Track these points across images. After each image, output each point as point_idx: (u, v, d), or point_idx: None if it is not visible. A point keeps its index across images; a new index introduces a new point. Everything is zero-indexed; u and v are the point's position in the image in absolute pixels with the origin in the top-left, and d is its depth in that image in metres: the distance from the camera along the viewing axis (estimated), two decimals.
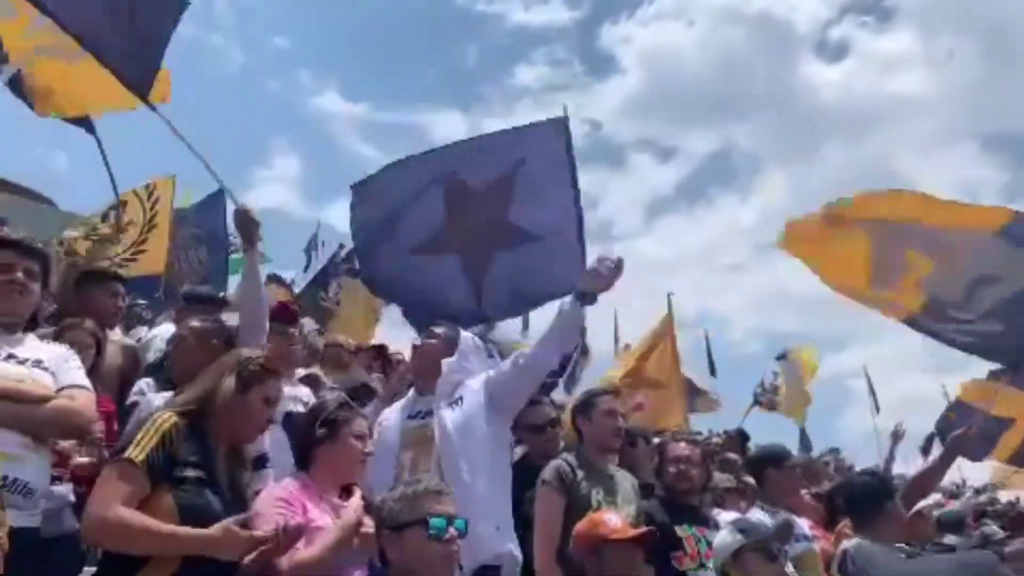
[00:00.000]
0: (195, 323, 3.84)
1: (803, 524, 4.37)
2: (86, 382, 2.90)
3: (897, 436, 8.14)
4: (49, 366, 2.80)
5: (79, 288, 4.52)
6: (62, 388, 2.78)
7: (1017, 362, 5.32)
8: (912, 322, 5.44)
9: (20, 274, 2.86)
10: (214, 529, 2.33)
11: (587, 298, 3.57)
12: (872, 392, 17.36)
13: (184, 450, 2.43)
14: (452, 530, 2.46)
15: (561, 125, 4.94)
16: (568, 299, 3.60)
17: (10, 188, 18.55)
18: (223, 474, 2.53)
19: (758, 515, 4.24)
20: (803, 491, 5.23)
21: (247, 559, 2.38)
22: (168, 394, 3.27)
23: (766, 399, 11.58)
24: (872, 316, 5.72)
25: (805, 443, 13.62)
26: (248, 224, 3.74)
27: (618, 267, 3.54)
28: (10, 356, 2.73)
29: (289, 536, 2.44)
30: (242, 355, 2.78)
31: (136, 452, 2.35)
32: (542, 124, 5.06)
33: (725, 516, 4.23)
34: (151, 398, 3.66)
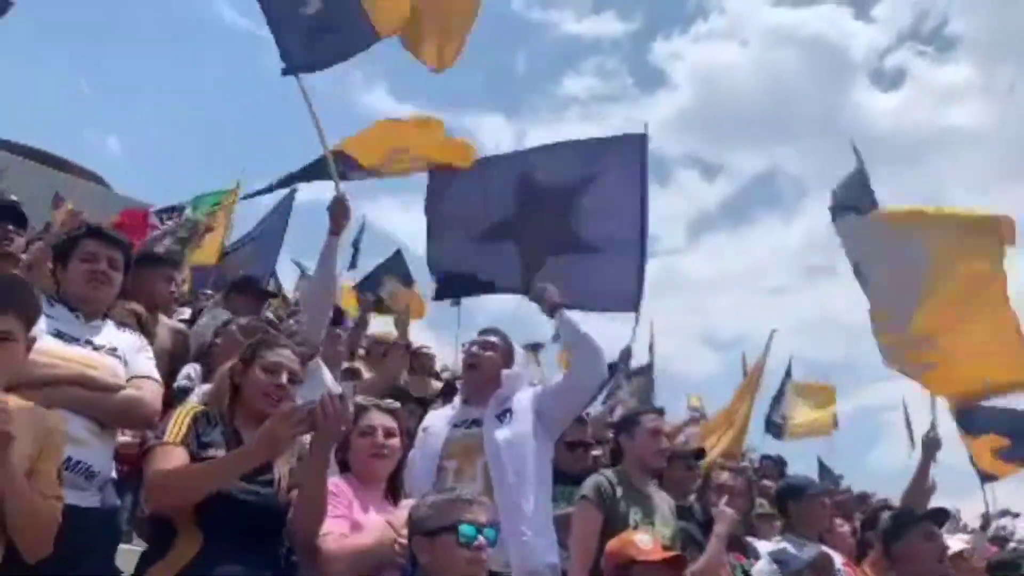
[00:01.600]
0: (243, 320, 3.94)
1: (837, 558, 4.31)
2: (155, 373, 2.97)
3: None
4: (122, 354, 2.87)
5: (133, 271, 4.58)
6: (132, 377, 2.84)
7: None
8: None
9: (104, 264, 2.95)
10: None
11: (552, 312, 3.77)
12: (909, 427, 16.97)
13: (209, 435, 2.63)
14: (482, 538, 2.49)
15: (639, 142, 5.17)
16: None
17: (65, 167, 19.12)
18: None
19: (785, 546, 4.20)
20: (840, 523, 5.12)
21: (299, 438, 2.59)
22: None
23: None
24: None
25: (826, 474, 13.30)
26: (341, 213, 4.00)
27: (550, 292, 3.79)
28: (87, 342, 2.80)
29: (336, 404, 2.54)
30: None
31: (173, 436, 2.56)
32: (621, 138, 5.33)
33: (764, 545, 4.20)
34: (200, 390, 3.71)
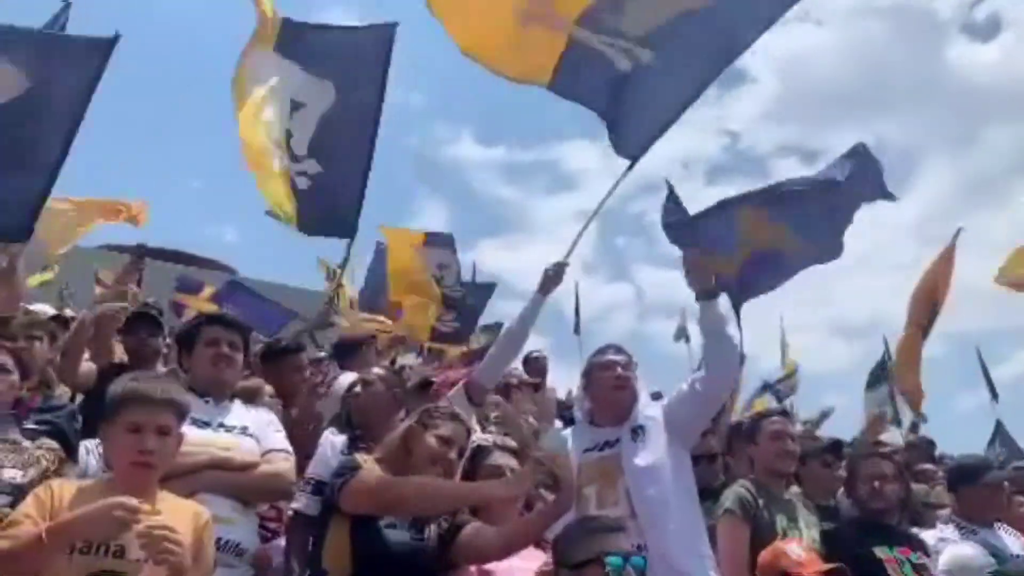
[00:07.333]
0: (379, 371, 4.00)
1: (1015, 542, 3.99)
2: (287, 445, 3.11)
3: None
4: (254, 432, 3.02)
5: (265, 363, 4.57)
6: (265, 452, 2.99)
7: None
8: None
9: (226, 348, 3.13)
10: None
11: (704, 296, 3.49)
12: None
13: None
14: (629, 568, 2.42)
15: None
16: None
17: (194, 261, 20.38)
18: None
19: (951, 534, 3.93)
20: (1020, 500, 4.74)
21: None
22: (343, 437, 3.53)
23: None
24: None
25: (1003, 439, 12.15)
26: (558, 278, 4.11)
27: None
28: (220, 425, 2.97)
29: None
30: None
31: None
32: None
33: (930, 534, 3.95)
34: (332, 439, 3.58)
